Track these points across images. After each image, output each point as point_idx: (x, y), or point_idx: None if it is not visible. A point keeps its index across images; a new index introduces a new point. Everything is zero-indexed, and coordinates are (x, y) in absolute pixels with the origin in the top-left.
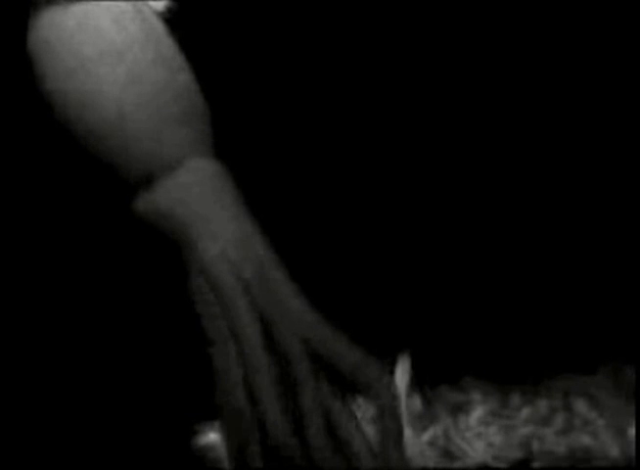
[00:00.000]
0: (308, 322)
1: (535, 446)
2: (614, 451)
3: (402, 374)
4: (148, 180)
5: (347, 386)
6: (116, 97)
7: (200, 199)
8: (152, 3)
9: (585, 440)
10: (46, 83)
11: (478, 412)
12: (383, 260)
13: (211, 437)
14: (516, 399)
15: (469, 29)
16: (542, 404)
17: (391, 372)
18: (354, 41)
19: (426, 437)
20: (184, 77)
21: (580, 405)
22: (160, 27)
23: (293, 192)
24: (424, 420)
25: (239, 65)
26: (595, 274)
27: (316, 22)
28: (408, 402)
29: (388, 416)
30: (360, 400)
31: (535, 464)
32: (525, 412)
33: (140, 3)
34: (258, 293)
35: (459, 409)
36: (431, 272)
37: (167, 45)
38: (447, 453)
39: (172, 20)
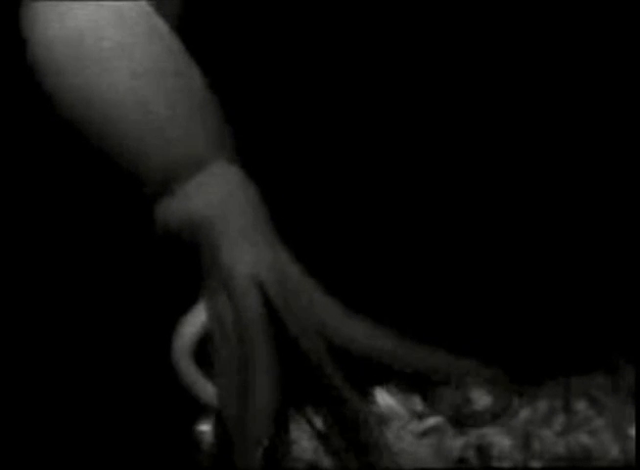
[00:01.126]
0: (347, 331)
1: (535, 445)
2: (613, 451)
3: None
4: (168, 184)
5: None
6: (132, 91)
7: (228, 205)
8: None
9: (585, 440)
10: (60, 86)
11: (478, 413)
12: (383, 260)
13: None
14: (516, 399)
15: (469, 29)
16: (542, 404)
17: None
18: (355, 39)
19: (426, 437)
20: (194, 72)
21: (580, 405)
22: (163, 25)
23: (298, 195)
24: (424, 421)
25: (239, 68)
26: (595, 274)
27: (322, 21)
28: (408, 403)
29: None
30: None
31: (535, 464)
32: (525, 412)
33: (142, 2)
34: (287, 315)
35: (459, 410)
36: (430, 272)
37: (173, 41)
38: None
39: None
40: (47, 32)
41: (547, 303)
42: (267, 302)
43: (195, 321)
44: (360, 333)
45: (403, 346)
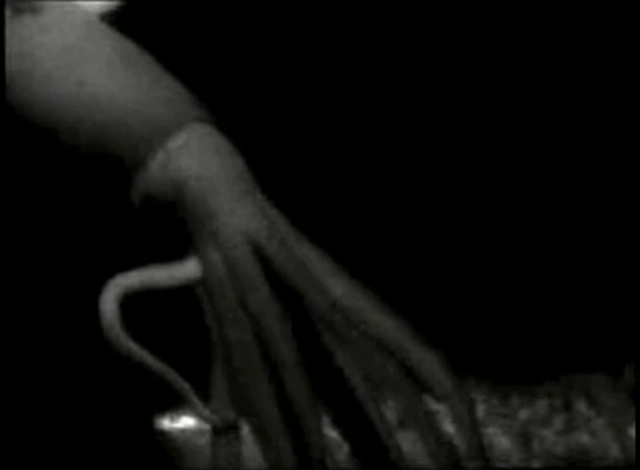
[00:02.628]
0: (351, 294)
1: (535, 445)
2: (613, 451)
3: None
4: (146, 153)
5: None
6: (93, 86)
7: (217, 167)
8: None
9: (585, 440)
10: (23, 93)
11: (477, 412)
12: (382, 260)
13: (186, 422)
14: (516, 399)
15: (469, 29)
16: (542, 404)
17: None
18: (341, 30)
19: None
20: (150, 59)
21: (580, 405)
22: (107, 28)
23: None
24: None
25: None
26: (594, 274)
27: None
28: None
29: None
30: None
31: (535, 464)
32: (525, 412)
33: (87, 4)
34: (286, 267)
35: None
36: (430, 272)
37: (122, 39)
38: None
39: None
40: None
41: (547, 303)
42: (260, 254)
43: (121, 281)
44: (343, 291)
45: (384, 312)
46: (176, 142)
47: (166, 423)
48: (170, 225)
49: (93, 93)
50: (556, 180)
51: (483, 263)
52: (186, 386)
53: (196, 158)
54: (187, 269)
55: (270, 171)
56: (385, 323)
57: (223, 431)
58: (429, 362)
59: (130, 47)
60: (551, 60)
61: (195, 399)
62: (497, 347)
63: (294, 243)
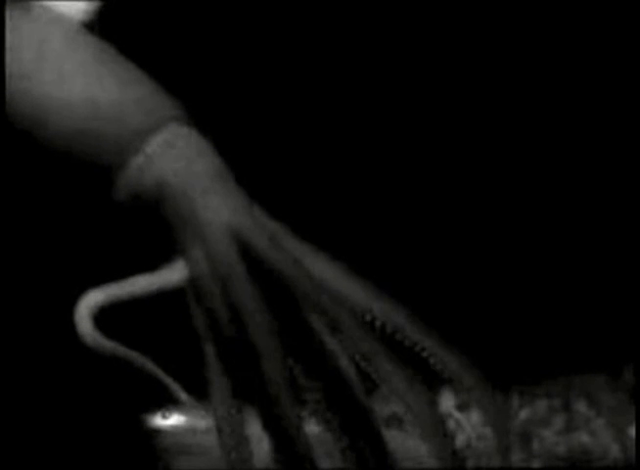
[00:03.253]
0: (347, 286)
1: (535, 445)
2: (613, 451)
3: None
4: (127, 157)
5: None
6: (79, 85)
7: (197, 164)
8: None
9: (585, 439)
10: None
11: (478, 412)
12: (382, 261)
13: (176, 419)
14: (516, 399)
15: (469, 30)
16: (542, 404)
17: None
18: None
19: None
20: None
21: (580, 405)
22: (86, 32)
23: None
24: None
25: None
26: (594, 274)
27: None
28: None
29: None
30: None
31: (535, 464)
32: (525, 412)
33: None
34: (271, 258)
35: (459, 409)
36: (430, 272)
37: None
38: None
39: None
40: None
41: (547, 303)
42: (245, 248)
43: (98, 292)
44: (330, 275)
45: (371, 294)
46: (155, 143)
47: (157, 421)
48: (155, 227)
49: (71, 96)
50: (556, 180)
51: (483, 264)
52: (169, 379)
53: (175, 157)
54: (173, 274)
55: (251, 171)
56: (377, 306)
57: (227, 428)
58: (443, 352)
59: (109, 51)
60: (551, 60)
61: (177, 390)
62: (497, 347)
63: (278, 235)
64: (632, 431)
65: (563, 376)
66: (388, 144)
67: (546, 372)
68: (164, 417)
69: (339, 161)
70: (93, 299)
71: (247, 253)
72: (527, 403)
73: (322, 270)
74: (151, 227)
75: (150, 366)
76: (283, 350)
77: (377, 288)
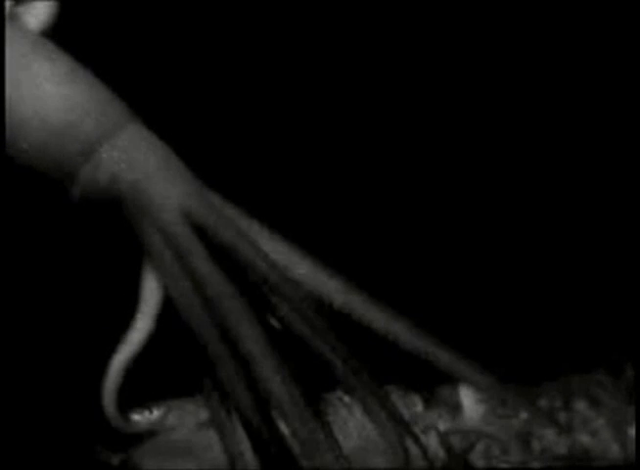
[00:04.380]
0: (299, 262)
1: (535, 446)
2: (613, 451)
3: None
4: (87, 155)
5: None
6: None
7: (146, 157)
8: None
9: (585, 439)
10: None
11: (478, 413)
12: (381, 261)
13: (155, 414)
14: (516, 399)
15: (468, 30)
16: (542, 404)
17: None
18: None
19: (426, 437)
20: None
21: (580, 405)
22: (45, 41)
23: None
24: (424, 421)
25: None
26: (595, 274)
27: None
28: (408, 403)
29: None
30: None
31: (535, 464)
32: (525, 412)
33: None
34: (225, 237)
35: (459, 410)
36: (430, 272)
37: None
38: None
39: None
40: None
41: (547, 303)
42: (200, 229)
43: (119, 359)
44: (279, 253)
45: (321, 272)
46: (108, 145)
47: (136, 418)
48: (117, 225)
49: (29, 104)
50: (555, 180)
51: (484, 264)
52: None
53: (127, 154)
54: (149, 298)
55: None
56: (326, 284)
57: (219, 423)
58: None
59: (65, 59)
60: (550, 60)
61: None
62: (497, 347)
63: (229, 214)
64: (632, 431)
65: (563, 376)
66: (388, 143)
67: (546, 372)
68: (149, 414)
69: (338, 160)
70: (112, 382)
71: (202, 232)
72: (528, 403)
73: (271, 246)
74: (113, 226)
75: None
76: (250, 311)
77: (332, 268)
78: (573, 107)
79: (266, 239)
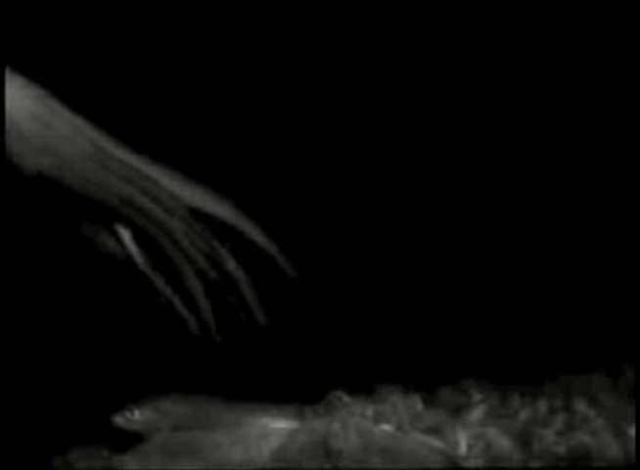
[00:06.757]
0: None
1: (535, 446)
2: (613, 451)
3: None
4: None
5: None
6: None
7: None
8: None
9: (585, 439)
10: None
11: (478, 413)
12: (381, 261)
13: (137, 415)
14: (516, 399)
15: (468, 30)
16: (542, 404)
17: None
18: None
19: (426, 437)
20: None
21: (580, 405)
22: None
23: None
24: (424, 421)
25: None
26: (595, 275)
27: None
28: (408, 403)
29: None
30: None
31: (535, 464)
32: (525, 412)
33: None
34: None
35: (459, 410)
36: (430, 273)
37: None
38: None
39: None
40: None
41: (547, 304)
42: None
43: None
44: (163, 178)
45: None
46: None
47: (120, 420)
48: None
49: None
50: (555, 180)
51: (484, 264)
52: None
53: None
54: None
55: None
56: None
57: None
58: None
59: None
60: (550, 60)
61: None
62: (497, 347)
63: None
64: (632, 431)
65: (563, 376)
66: (388, 143)
67: (546, 372)
68: (130, 415)
69: (338, 160)
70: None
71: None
72: (528, 403)
73: (156, 174)
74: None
75: None
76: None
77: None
78: (574, 107)
79: (149, 167)
